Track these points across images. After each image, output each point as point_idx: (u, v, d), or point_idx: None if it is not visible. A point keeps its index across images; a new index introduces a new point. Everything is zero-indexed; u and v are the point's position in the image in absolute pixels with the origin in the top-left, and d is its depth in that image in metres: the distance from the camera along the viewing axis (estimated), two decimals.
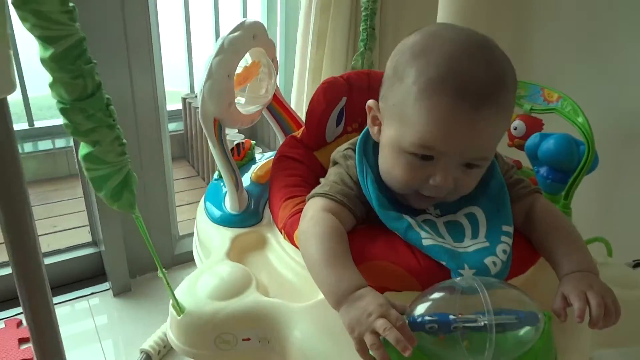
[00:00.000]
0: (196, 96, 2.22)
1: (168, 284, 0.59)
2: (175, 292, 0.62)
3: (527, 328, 0.52)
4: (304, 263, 0.66)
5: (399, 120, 0.58)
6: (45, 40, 0.42)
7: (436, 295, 0.53)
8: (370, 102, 0.64)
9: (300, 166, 0.77)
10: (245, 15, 2.11)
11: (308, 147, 0.80)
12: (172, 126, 2.36)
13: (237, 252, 0.71)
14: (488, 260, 0.57)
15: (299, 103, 1.37)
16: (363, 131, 0.68)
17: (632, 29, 0.99)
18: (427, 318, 0.50)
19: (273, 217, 0.72)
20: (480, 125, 0.55)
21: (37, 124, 2.02)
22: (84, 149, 0.49)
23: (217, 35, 2.12)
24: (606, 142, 0.84)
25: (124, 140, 0.50)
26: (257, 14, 2.06)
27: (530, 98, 0.89)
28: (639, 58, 0.99)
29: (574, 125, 0.80)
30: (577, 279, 0.57)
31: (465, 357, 0.50)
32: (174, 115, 2.36)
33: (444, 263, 0.57)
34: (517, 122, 0.90)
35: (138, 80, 1.21)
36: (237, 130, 1.92)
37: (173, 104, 2.43)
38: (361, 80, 0.83)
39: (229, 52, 0.72)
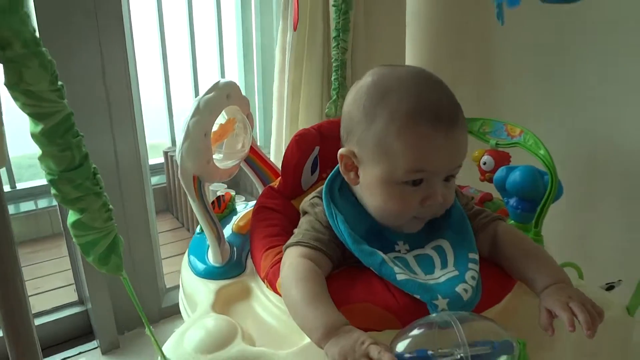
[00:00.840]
0: None
1: (156, 341, 0.60)
2: (163, 348, 0.63)
3: (503, 357, 0.54)
4: (285, 309, 0.68)
5: (385, 156, 0.63)
6: (35, 117, 0.46)
7: (414, 332, 0.55)
8: (341, 150, 0.68)
9: (279, 216, 0.80)
10: (222, 69, 2.18)
11: (285, 197, 0.83)
12: (154, 179, 2.38)
13: (222, 304, 0.73)
14: (459, 288, 0.60)
15: (278, 151, 1.41)
16: (328, 178, 0.72)
17: (584, 59, 1.06)
18: (407, 355, 0.53)
19: (255, 267, 0.75)
20: (455, 140, 0.63)
21: (19, 186, 2.04)
22: (72, 216, 0.51)
23: (196, 90, 2.18)
24: (572, 169, 0.88)
25: (111, 207, 0.53)
26: (234, 68, 2.12)
27: (495, 134, 0.94)
28: (590, 86, 1.06)
29: (536, 157, 0.85)
30: (555, 291, 0.60)
31: None
32: (156, 169, 2.38)
33: (417, 296, 0.60)
34: (485, 158, 0.94)
35: (120, 137, 1.24)
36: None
37: (155, 158, 2.47)
38: (332, 130, 0.87)
39: (204, 113, 0.76)
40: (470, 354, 0.52)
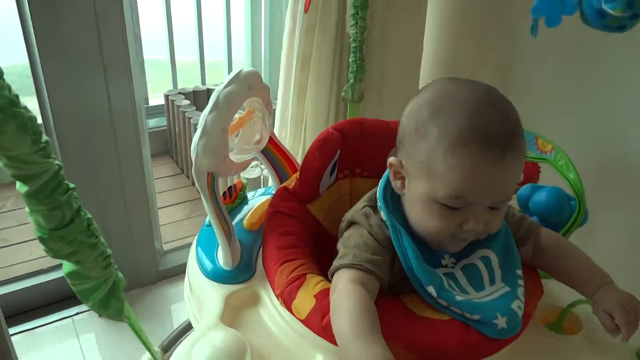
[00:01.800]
0: (179, 93, 2.18)
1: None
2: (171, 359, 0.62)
3: None
4: (298, 328, 0.66)
5: (429, 176, 0.61)
6: (20, 179, 0.42)
7: None
8: (391, 159, 0.66)
9: (294, 222, 0.76)
10: (228, 19, 2.05)
11: (301, 200, 0.79)
12: (154, 122, 2.32)
13: (230, 313, 0.70)
14: (514, 305, 0.61)
15: (282, 123, 1.35)
16: (380, 187, 0.69)
17: (612, 65, 1.00)
18: None
19: (268, 279, 0.72)
20: (505, 172, 0.59)
21: None
22: (67, 266, 0.48)
23: (199, 19, 2.06)
24: (591, 189, 0.85)
25: (108, 252, 0.49)
26: (240, 24, 2.00)
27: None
28: (615, 94, 1.00)
29: (565, 180, 0.81)
30: (609, 294, 0.65)
31: None
32: (156, 111, 2.31)
33: (477, 317, 0.60)
34: None
35: (114, 85, 1.19)
36: None
37: (156, 99, 2.39)
38: (354, 130, 0.82)
39: (224, 107, 0.70)
40: None
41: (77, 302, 1.33)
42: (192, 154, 0.71)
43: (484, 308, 0.60)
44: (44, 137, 0.41)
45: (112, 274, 0.50)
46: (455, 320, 0.62)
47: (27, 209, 0.44)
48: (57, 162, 0.43)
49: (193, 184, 2.12)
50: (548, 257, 0.71)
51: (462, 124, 0.58)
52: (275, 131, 1.30)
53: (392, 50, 1.22)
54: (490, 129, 0.58)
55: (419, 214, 0.64)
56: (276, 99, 1.36)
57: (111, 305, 0.51)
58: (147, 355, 1.16)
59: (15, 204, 1.86)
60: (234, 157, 0.79)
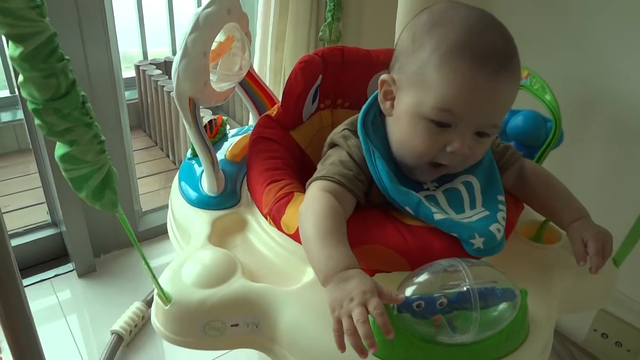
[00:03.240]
0: (150, 63, 2.14)
1: (153, 276, 0.57)
2: (160, 281, 0.61)
3: (505, 304, 0.55)
4: (287, 246, 0.67)
5: (419, 86, 0.60)
6: (14, 38, 0.39)
7: (421, 277, 0.55)
8: (384, 76, 0.65)
9: (279, 147, 0.76)
10: None
11: (284, 127, 0.79)
12: (126, 95, 2.26)
13: (218, 236, 0.70)
14: (493, 228, 0.61)
15: (261, 74, 1.33)
16: (362, 110, 0.68)
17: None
18: (413, 297, 0.53)
19: (255, 202, 0.71)
20: (498, 91, 0.58)
21: None
22: (60, 149, 0.46)
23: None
24: (569, 115, 0.87)
25: (103, 138, 0.47)
26: None
27: None
28: (600, 31, 1.03)
29: (541, 102, 0.83)
30: (585, 225, 0.66)
31: (451, 336, 0.52)
32: (127, 84, 2.25)
33: (455, 235, 0.60)
34: None
35: (91, 49, 1.15)
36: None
37: (126, 72, 2.33)
38: (335, 56, 0.82)
39: (204, 28, 0.69)
40: (477, 287, 0.52)
41: (55, 265, 1.31)
42: (172, 77, 0.70)
43: (461, 227, 0.60)
44: None
45: (106, 161, 0.49)
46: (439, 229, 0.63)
47: (19, 79, 0.42)
48: (53, 28, 0.42)
49: (167, 156, 2.09)
50: (529, 187, 0.71)
51: (460, 36, 0.58)
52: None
53: None
54: (488, 44, 0.58)
55: (403, 132, 0.63)
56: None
57: (105, 196, 0.50)
58: (135, 304, 1.15)
59: None
60: (215, 85, 0.78)
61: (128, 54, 2.33)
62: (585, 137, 1.07)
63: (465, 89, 0.57)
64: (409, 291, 0.54)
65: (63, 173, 0.47)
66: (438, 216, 0.61)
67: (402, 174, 0.66)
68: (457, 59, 0.57)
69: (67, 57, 0.43)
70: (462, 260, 0.56)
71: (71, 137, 0.45)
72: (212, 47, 0.74)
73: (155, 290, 0.60)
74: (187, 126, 0.72)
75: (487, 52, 0.57)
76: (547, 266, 0.68)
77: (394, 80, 0.64)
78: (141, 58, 2.18)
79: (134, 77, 2.18)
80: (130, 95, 2.25)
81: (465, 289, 0.52)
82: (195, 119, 0.73)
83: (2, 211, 1.54)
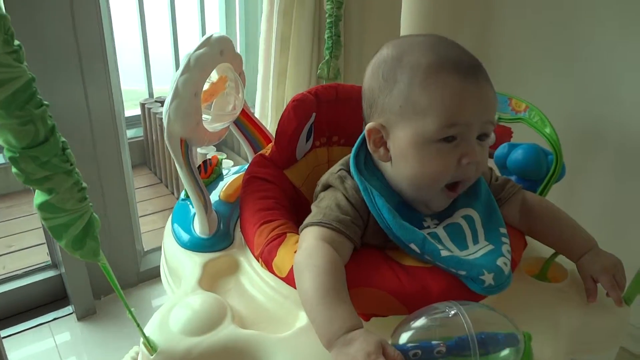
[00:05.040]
0: (155, 101, 2.16)
1: (138, 325, 0.55)
2: (147, 328, 0.59)
3: (507, 350, 0.52)
4: (280, 289, 0.65)
5: (413, 115, 0.60)
6: None
7: (418, 322, 0.53)
8: (369, 125, 0.64)
9: (272, 187, 0.74)
10: (203, 19, 2.05)
11: (278, 166, 0.78)
12: (130, 132, 2.28)
13: (209, 279, 0.68)
14: (500, 262, 0.59)
15: (263, 111, 1.34)
16: (352, 153, 0.67)
17: (593, 31, 1.01)
18: (410, 345, 0.50)
19: (247, 243, 0.70)
20: (484, 90, 0.60)
21: None
22: (39, 197, 0.44)
23: (175, 37, 2.06)
24: (571, 147, 0.85)
25: (84, 185, 0.46)
26: (215, 17, 2.01)
27: (498, 108, 0.89)
28: (600, 60, 1.02)
29: (541, 135, 0.81)
30: (594, 258, 0.66)
31: None
32: (132, 122, 2.28)
33: (463, 272, 0.58)
34: None
35: (92, 88, 1.16)
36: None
37: (131, 110, 2.36)
38: (329, 94, 0.82)
39: (195, 70, 0.69)
40: (476, 334, 0.49)
41: (54, 308, 1.29)
42: (163, 119, 0.70)
43: (469, 265, 0.59)
44: (17, 41, 0.38)
45: (87, 209, 0.47)
46: (437, 268, 0.60)
47: None
48: (30, 73, 0.41)
49: (172, 193, 2.08)
50: (534, 219, 0.70)
51: (431, 57, 0.59)
52: (256, 115, 1.29)
53: (371, 25, 1.22)
54: (457, 58, 0.60)
55: (415, 165, 0.61)
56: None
57: (86, 245, 0.48)
58: (134, 348, 1.13)
59: None
60: (208, 125, 0.77)
61: (134, 92, 2.36)
62: (588, 168, 1.04)
63: (462, 97, 0.58)
64: (405, 337, 0.52)
65: (42, 222, 0.46)
66: (445, 253, 0.59)
67: (402, 212, 0.64)
68: (439, 76, 0.58)
69: (45, 103, 0.42)
70: (460, 304, 0.53)
71: (50, 185, 0.44)
72: (205, 88, 0.74)
73: (141, 339, 0.57)
74: (178, 167, 0.71)
75: (460, 64, 0.59)
76: (552, 306, 0.65)
77: (382, 125, 0.63)
78: (147, 96, 2.21)
79: (139, 114, 2.21)
80: (135, 132, 2.28)
81: (464, 335, 0.49)
82: (187, 160, 0.72)
83: (5, 252, 1.54)
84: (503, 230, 0.65)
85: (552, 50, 1.09)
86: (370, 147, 0.65)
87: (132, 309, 0.57)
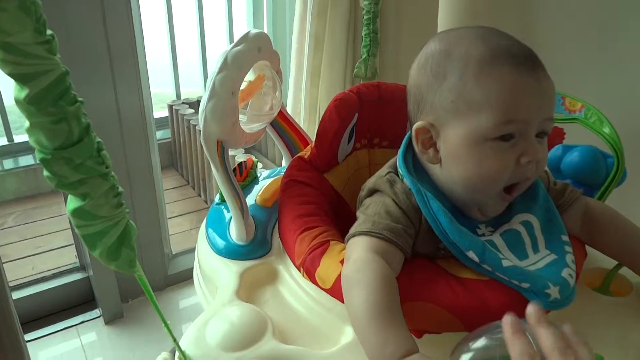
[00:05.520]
0: (183, 103, 2.15)
1: (174, 339, 0.52)
2: (182, 342, 0.55)
3: None
4: (323, 301, 0.60)
5: (466, 112, 0.55)
6: (19, 78, 0.34)
7: (480, 342, 0.48)
8: (417, 124, 0.59)
9: (312, 191, 0.70)
10: (230, 18, 2.03)
11: (318, 169, 0.73)
12: (159, 134, 2.28)
13: (246, 289, 0.65)
14: (565, 273, 0.55)
15: (295, 112, 1.30)
16: (399, 155, 0.62)
17: None
18: None
19: (288, 252, 0.66)
20: (543, 84, 0.55)
21: (17, 139, 1.92)
22: (72, 202, 0.41)
23: (202, 38, 2.04)
24: (632, 149, 0.79)
25: (120, 189, 0.42)
26: (242, 17, 1.99)
27: None
28: None
29: (599, 136, 0.75)
30: None
31: None
32: (160, 123, 2.28)
33: (527, 285, 0.54)
34: None
35: (122, 89, 1.15)
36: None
37: (159, 112, 2.36)
38: (371, 94, 0.77)
39: (233, 68, 0.65)
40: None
41: (81, 311, 1.27)
42: (199, 119, 0.66)
43: (532, 277, 0.54)
44: (49, 31, 0.35)
45: (123, 216, 0.43)
46: (496, 280, 0.56)
47: (26, 125, 0.37)
48: (64, 66, 0.37)
49: (199, 195, 2.07)
50: (598, 229, 0.64)
51: (482, 49, 0.55)
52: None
53: (407, 22, 1.17)
54: (509, 48, 0.55)
55: (469, 166, 0.56)
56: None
57: (122, 255, 0.45)
58: (163, 355, 1.10)
59: (16, 220, 1.82)
60: (245, 127, 0.74)
61: (161, 95, 2.36)
62: None
63: (519, 92, 0.54)
64: (465, 359, 0.47)
65: (75, 230, 0.43)
66: (506, 263, 0.55)
67: (455, 218, 0.59)
68: (494, 68, 0.54)
69: (80, 99, 0.38)
70: (525, 321, 0.48)
71: (84, 190, 0.40)
72: (242, 87, 0.71)
73: (177, 353, 0.54)
74: (214, 170, 0.68)
75: (515, 54, 0.54)
76: (620, 323, 0.59)
77: (431, 124, 0.58)
78: (174, 98, 2.20)
79: (166, 116, 2.20)
80: (163, 134, 2.27)
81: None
82: (223, 162, 0.68)
83: (34, 252, 1.54)
84: (565, 238, 0.60)
85: (601, 46, 1.02)
86: (418, 148, 0.60)
87: (169, 322, 0.53)
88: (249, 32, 0.69)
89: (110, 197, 0.41)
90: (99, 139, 0.40)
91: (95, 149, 0.39)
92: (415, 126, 0.59)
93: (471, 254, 0.55)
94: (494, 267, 0.54)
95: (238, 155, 1.58)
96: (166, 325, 0.52)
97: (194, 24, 2.04)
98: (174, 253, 1.41)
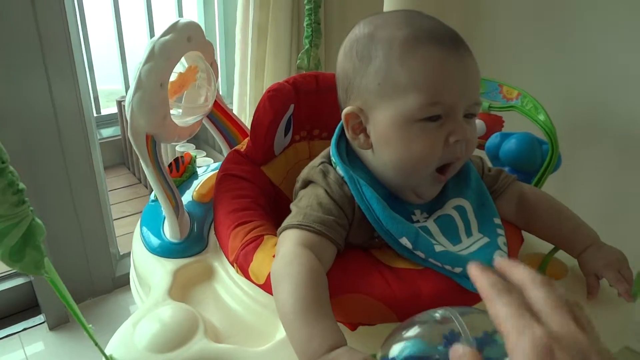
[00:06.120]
0: None
1: (96, 343, 0.50)
2: (109, 345, 0.53)
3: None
4: (258, 298, 0.59)
5: (393, 93, 0.55)
6: None
7: (411, 332, 0.47)
8: (346, 110, 0.58)
9: (248, 185, 0.68)
10: (180, 10, 1.98)
11: (254, 162, 0.72)
12: (109, 131, 2.21)
13: (180, 288, 0.63)
14: (496, 255, 0.56)
15: (241, 105, 1.28)
16: (332, 142, 0.62)
17: (588, 14, 0.97)
18: (403, 356, 0.45)
19: (222, 247, 0.64)
20: (468, 65, 0.55)
21: None
22: None
23: (151, 31, 1.98)
24: (565, 137, 0.81)
25: (21, 186, 0.40)
26: (193, 8, 1.94)
27: (489, 95, 0.84)
28: (595, 45, 0.97)
29: (535, 123, 0.77)
30: (597, 254, 0.61)
31: None
32: (109, 120, 2.20)
33: (459, 270, 0.54)
34: (476, 121, 0.85)
35: (57, 85, 1.08)
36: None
37: (109, 108, 2.28)
38: (309, 84, 0.76)
39: (160, 58, 0.62)
40: (473, 340, 0.44)
41: (24, 317, 1.21)
42: (126, 112, 0.63)
43: (465, 261, 0.54)
44: None
45: (26, 214, 0.41)
46: (429, 269, 0.55)
47: None
48: None
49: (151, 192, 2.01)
50: (533, 213, 0.65)
51: (406, 30, 0.54)
52: (235, 111, 1.23)
53: (352, 11, 1.16)
54: (433, 28, 0.55)
55: (398, 148, 0.56)
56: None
57: (27, 256, 0.42)
58: None
59: None
60: (179, 120, 0.71)
61: (116, 92, 2.29)
62: (584, 157, 1.00)
63: (443, 71, 0.53)
64: (396, 349, 0.46)
65: None
66: (439, 248, 0.55)
67: (390, 205, 0.58)
68: (417, 50, 0.53)
69: None
70: (455, 309, 0.48)
71: None
72: (173, 79, 0.68)
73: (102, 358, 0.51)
74: (144, 165, 0.65)
75: (438, 35, 0.54)
76: None
77: (360, 108, 0.58)
78: (124, 93, 2.13)
79: (116, 113, 2.13)
80: (114, 131, 2.20)
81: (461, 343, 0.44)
82: (154, 157, 0.66)
83: None
84: (497, 220, 0.60)
85: (543, 34, 1.04)
86: (348, 134, 0.60)
87: (90, 326, 0.51)
88: (177, 21, 0.66)
89: (9, 194, 0.39)
90: None
91: None
92: (344, 112, 0.59)
93: (404, 241, 0.55)
94: (427, 253, 0.54)
95: (179, 146, 1.54)
96: (86, 329, 0.49)
97: (143, 19, 1.98)
98: (121, 254, 1.36)
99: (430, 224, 0.59)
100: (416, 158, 0.55)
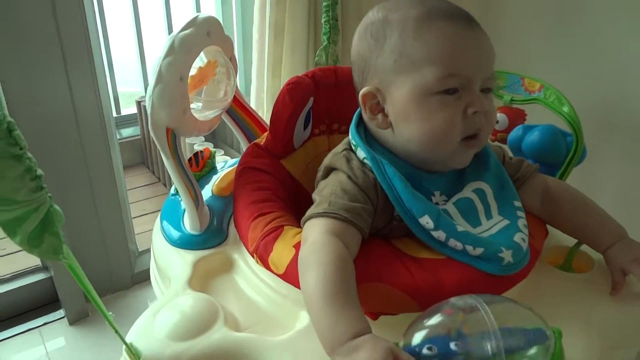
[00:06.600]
0: None
1: (116, 330, 0.50)
2: (129, 334, 0.53)
3: (535, 348, 0.46)
4: (278, 288, 0.59)
5: (409, 69, 0.55)
6: None
7: (433, 320, 0.47)
8: (363, 90, 0.59)
9: (267, 177, 0.68)
10: (198, 9, 2.00)
11: (274, 156, 0.72)
12: (128, 131, 2.24)
13: (200, 279, 0.63)
14: (517, 238, 0.56)
15: (259, 102, 1.28)
16: (351, 127, 0.62)
17: (608, 8, 0.95)
18: (425, 351, 0.44)
19: (241, 238, 0.64)
20: (481, 39, 0.56)
21: None
22: None
23: (170, 31, 2.00)
24: (590, 128, 0.79)
25: (38, 172, 0.40)
26: (210, 7, 1.95)
27: (510, 89, 0.83)
28: (617, 41, 0.95)
29: (559, 115, 0.75)
30: (626, 249, 0.59)
31: None
32: (130, 120, 2.23)
33: (480, 250, 0.54)
34: (498, 115, 0.85)
35: (77, 85, 1.09)
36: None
37: (129, 108, 2.31)
38: (328, 78, 0.76)
39: (180, 52, 0.63)
40: (503, 347, 0.43)
41: (45, 312, 1.23)
42: (147, 105, 0.64)
43: (486, 242, 0.54)
44: None
45: (44, 200, 0.41)
46: (452, 259, 0.55)
47: None
48: None
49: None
50: (558, 206, 0.64)
51: (420, 9, 0.55)
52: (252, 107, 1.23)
53: (368, 7, 1.15)
54: (446, 7, 0.56)
55: (419, 123, 0.56)
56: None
57: (45, 241, 0.42)
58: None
59: None
60: (198, 114, 0.72)
61: (136, 94, 2.32)
62: (608, 150, 0.98)
63: (458, 44, 0.54)
64: (418, 337, 0.46)
65: None
66: (460, 228, 0.55)
67: (416, 180, 0.59)
68: (432, 23, 0.54)
69: None
70: (479, 296, 0.47)
71: None
72: (193, 73, 0.69)
73: (123, 347, 0.52)
74: (164, 158, 0.66)
75: (452, 12, 0.55)
76: (582, 299, 0.59)
77: (376, 88, 0.58)
78: (143, 94, 2.16)
79: (136, 113, 2.16)
80: (133, 131, 2.23)
81: (485, 330, 0.44)
82: (174, 151, 0.66)
83: None
84: (517, 203, 0.60)
85: (564, 26, 1.03)
86: (366, 115, 0.60)
87: (110, 314, 0.51)
88: (197, 16, 0.67)
89: (27, 180, 0.39)
90: (9, 119, 0.37)
91: (5, 129, 0.37)
92: (361, 93, 0.59)
93: (425, 219, 0.55)
94: (448, 233, 0.54)
95: (197, 144, 1.54)
96: (107, 317, 0.50)
97: (162, 24, 2.00)
98: (140, 250, 1.37)
99: (450, 207, 0.59)
100: (437, 131, 0.56)
